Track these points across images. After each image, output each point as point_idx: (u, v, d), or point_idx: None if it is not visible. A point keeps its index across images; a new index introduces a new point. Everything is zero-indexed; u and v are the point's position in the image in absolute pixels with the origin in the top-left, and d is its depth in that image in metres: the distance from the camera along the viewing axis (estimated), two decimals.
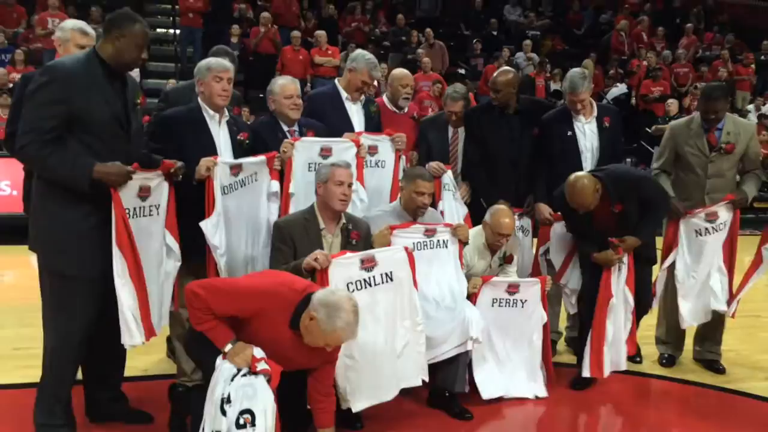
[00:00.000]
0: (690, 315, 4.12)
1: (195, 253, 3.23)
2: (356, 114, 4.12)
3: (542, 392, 3.80)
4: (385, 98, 4.45)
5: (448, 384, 3.56)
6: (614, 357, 3.88)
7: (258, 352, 2.65)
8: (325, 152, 3.62)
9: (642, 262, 3.90)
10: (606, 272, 3.75)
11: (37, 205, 2.90)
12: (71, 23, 3.41)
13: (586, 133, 4.22)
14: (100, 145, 2.82)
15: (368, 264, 3.17)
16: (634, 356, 4.20)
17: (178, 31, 12.42)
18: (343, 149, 3.68)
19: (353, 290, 3.08)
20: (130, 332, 2.91)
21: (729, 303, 4.11)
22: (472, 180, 4.32)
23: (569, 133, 4.21)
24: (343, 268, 3.10)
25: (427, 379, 3.39)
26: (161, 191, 3.07)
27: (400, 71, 4.48)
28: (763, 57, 14.60)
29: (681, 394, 4.01)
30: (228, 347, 2.65)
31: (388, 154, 3.96)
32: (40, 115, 2.74)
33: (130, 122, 2.96)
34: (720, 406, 3.92)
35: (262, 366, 2.64)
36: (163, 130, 3.37)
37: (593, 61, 13.11)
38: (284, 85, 3.74)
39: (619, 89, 12.73)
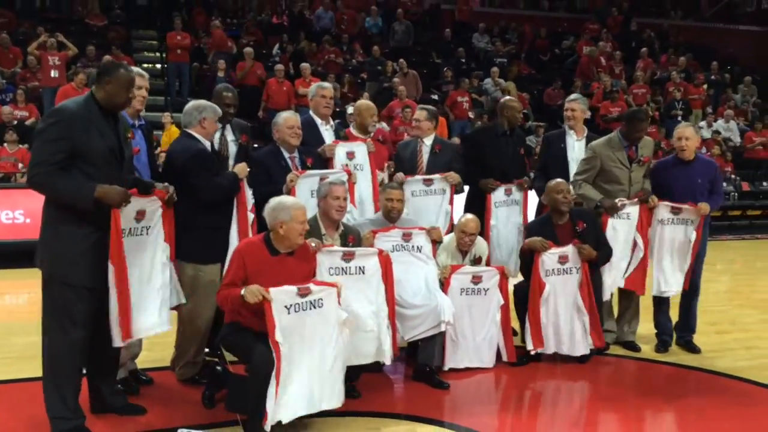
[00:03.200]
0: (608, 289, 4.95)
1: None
2: (328, 137, 4.95)
3: (492, 363, 4.60)
4: (351, 128, 5.23)
5: (428, 360, 4.33)
6: (568, 341, 4.67)
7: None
8: (323, 180, 4.33)
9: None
10: (536, 260, 4.58)
11: (47, 227, 3.35)
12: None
13: (575, 148, 5.29)
14: (99, 172, 3.29)
15: (347, 256, 3.98)
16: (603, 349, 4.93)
17: (165, 66, 13.19)
18: (337, 177, 4.41)
19: (333, 274, 3.90)
20: (114, 334, 3.45)
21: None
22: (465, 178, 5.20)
23: (561, 145, 5.31)
24: (329, 256, 3.93)
25: (389, 362, 4.10)
26: (154, 214, 3.62)
27: (366, 104, 5.32)
28: (713, 77, 15.71)
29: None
30: (242, 291, 3.35)
31: (364, 158, 4.82)
32: (48, 150, 3.22)
33: (123, 152, 3.47)
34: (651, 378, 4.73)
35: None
36: (199, 164, 4.00)
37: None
38: (287, 118, 4.56)
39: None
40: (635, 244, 4.94)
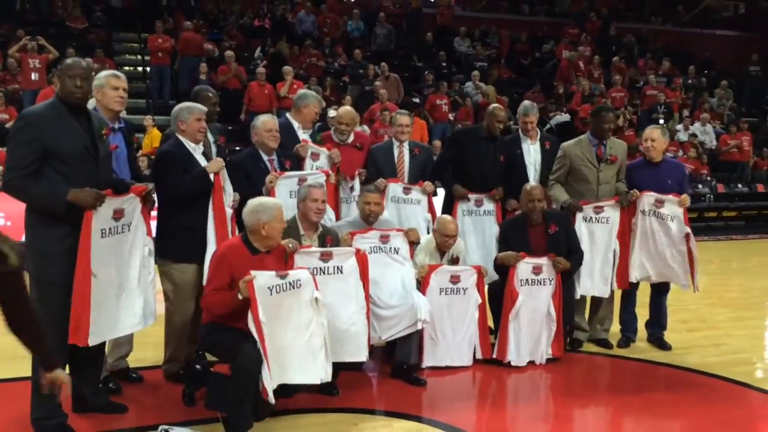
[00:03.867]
0: (581, 288, 5.02)
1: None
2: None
3: (471, 361, 4.71)
4: (332, 131, 5.30)
5: (405, 358, 4.43)
6: (533, 349, 4.76)
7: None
8: (302, 182, 4.47)
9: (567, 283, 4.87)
10: (511, 270, 4.67)
11: (28, 229, 3.43)
12: (104, 72, 4.01)
13: (531, 152, 5.38)
14: (72, 171, 3.34)
15: (325, 257, 4.06)
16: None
17: (147, 69, 13.19)
18: (315, 179, 4.53)
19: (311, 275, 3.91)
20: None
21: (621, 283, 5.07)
22: (442, 179, 5.33)
23: (518, 151, 5.36)
24: (307, 256, 4.00)
25: (366, 359, 4.20)
26: (134, 211, 3.67)
27: (343, 110, 5.39)
28: (690, 81, 15.98)
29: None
30: (239, 295, 3.48)
31: (325, 162, 4.89)
32: (20, 154, 3.29)
33: (97, 150, 3.47)
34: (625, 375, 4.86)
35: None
36: (163, 164, 4.15)
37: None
38: (265, 121, 4.64)
39: (563, 117, 13.80)
40: (614, 251, 5.00)
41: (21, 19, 13.56)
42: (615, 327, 5.35)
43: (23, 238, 3.46)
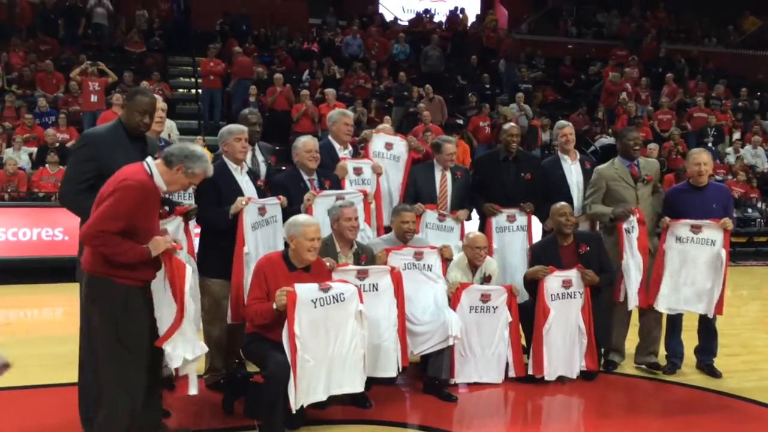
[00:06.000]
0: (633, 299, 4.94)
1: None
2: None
3: (500, 379, 4.77)
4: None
5: (437, 373, 4.53)
6: (565, 365, 4.80)
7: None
8: (339, 200, 4.61)
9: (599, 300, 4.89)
10: (541, 285, 4.72)
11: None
12: None
13: (573, 172, 5.46)
14: None
15: (361, 275, 4.22)
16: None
17: (200, 91, 13.69)
18: (352, 197, 4.70)
19: None
20: None
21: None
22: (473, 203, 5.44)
23: (560, 172, 5.43)
24: (344, 274, 4.15)
25: (395, 375, 4.32)
26: (176, 230, 3.96)
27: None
28: (740, 103, 15.68)
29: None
30: (274, 305, 3.68)
31: (370, 174, 5.13)
32: (76, 171, 3.58)
33: None
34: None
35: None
36: (199, 187, 4.33)
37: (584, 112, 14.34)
38: (306, 142, 4.83)
39: (607, 140, 13.70)
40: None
41: (83, 44, 14.22)
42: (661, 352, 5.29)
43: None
